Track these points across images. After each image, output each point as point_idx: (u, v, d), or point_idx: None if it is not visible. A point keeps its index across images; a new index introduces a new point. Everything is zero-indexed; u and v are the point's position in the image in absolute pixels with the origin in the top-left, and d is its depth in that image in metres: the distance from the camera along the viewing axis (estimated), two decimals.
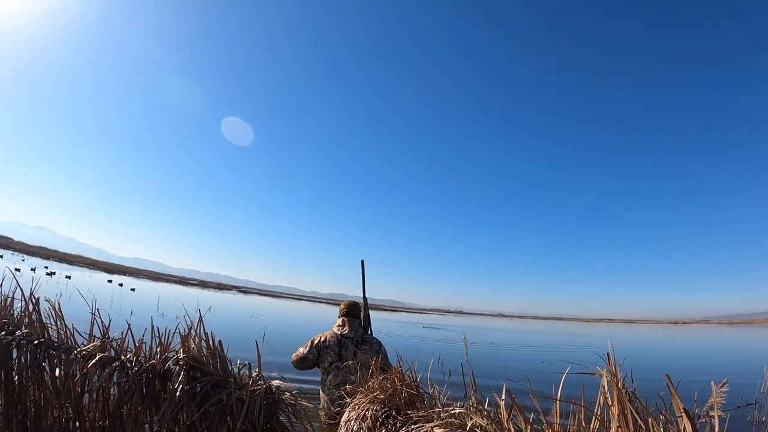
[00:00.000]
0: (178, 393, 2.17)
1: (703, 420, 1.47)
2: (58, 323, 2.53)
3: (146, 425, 2.26)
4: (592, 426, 1.55)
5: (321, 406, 2.92)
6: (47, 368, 2.47)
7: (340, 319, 3.08)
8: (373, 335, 3.16)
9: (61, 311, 2.53)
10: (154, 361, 2.29)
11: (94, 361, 2.33)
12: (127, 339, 2.37)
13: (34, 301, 2.60)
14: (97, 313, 2.43)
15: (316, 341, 3.01)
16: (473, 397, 1.77)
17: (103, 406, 2.34)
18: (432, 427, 1.72)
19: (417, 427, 1.77)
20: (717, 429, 1.36)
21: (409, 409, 1.90)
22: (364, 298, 3.22)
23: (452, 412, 1.79)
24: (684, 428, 1.31)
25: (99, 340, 2.40)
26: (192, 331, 2.22)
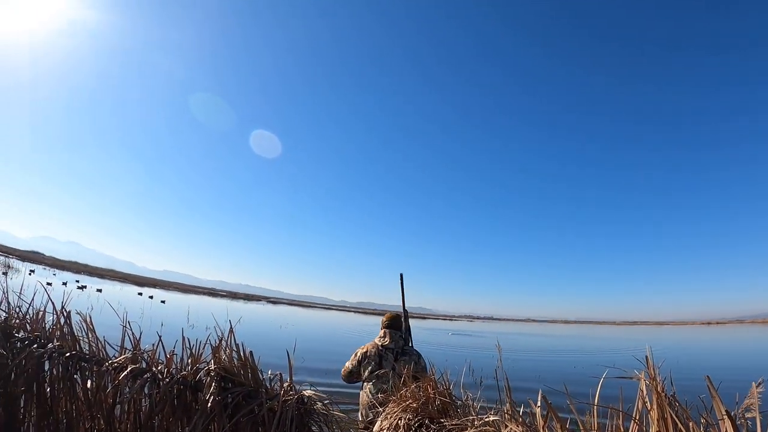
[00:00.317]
0: (209, 404, 2.19)
1: (740, 422, 1.47)
2: (90, 336, 2.58)
3: None
4: (630, 431, 1.55)
5: (360, 412, 2.96)
6: (79, 380, 2.51)
7: (382, 330, 3.14)
8: (413, 347, 3.21)
9: (92, 324, 2.58)
10: (185, 372, 2.32)
11: (125, 372, 2.36)
12: (158, 351, 2.41)
13: (65, 314, 2.66)
14: (128, 326, 2.47)
15: (359, 353, 3.09)
16: (508, 404, 1.77)
17: (135, 418, 2.37)
18: None
19: None
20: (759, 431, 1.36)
21: (442, 418, 1.91)
22: (405, 310, 3.29)
23: (486, 419, 1.79)
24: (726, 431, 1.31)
25: (130, 352, 2.44)
26: (223, 342, 2.26)
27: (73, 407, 2.51)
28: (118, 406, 2.40)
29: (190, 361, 2.33)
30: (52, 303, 2.71)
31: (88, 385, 2.48)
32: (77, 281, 35.39)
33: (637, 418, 1.53)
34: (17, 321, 2.79)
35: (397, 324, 3.21)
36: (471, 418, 1.84)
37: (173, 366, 2.36)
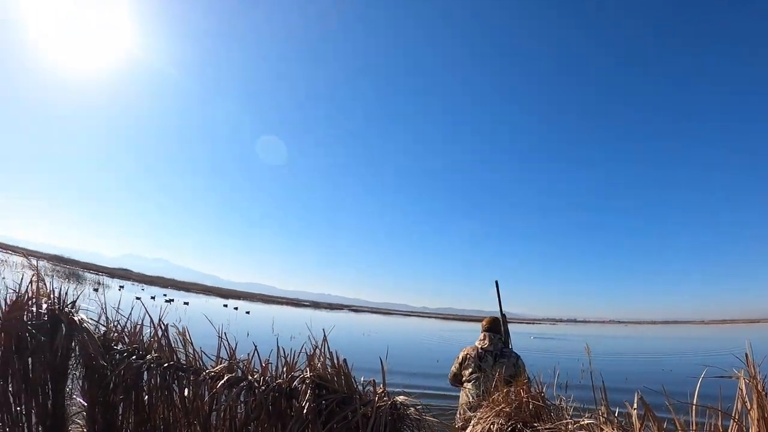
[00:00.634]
0: (304, 411, 2.34)
1: None
2: (187, 347, 2.78)
3: None
4: (729, 431, 1.62)
5: (458, 411, 3.10)
6: (176, 389, 2.70)
7: (482, 333, 3.33)
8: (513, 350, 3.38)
9: (189, 336, 2.80)
10: (280, 380, 2.49)
11: (222, 381, 2.54)
12: (253, 360, 2.59)
13: (163, 327, 2.89)
14: (224, 337, 2.68)
15: (461, 356, 3.31)
16: (603, 407, 1.86)
17: (230, 424, 2.52)
18: None
19: None
20: None
21: (535, 422, 2.00)
22: (502, 314, 3.50)
23: (581, 423, 1.88)
24: None
25: (227, 362, 2.63)
26: (317, 350, 2.43)
27: (170, 414, 2.69)
28: (214, 413, 2.56)
29: (285, 369, 2.50)
30: (150, 317, 2.95)
31: (186, 393, 2.66)
32: (164, 295, 36.61)
33: (737, 418, 1.59)
34: (115, 334, 3.04)
35: (496, 327, 3.42)
36: (565, 421, 1.93)
37: (268, 374, 2.53)
